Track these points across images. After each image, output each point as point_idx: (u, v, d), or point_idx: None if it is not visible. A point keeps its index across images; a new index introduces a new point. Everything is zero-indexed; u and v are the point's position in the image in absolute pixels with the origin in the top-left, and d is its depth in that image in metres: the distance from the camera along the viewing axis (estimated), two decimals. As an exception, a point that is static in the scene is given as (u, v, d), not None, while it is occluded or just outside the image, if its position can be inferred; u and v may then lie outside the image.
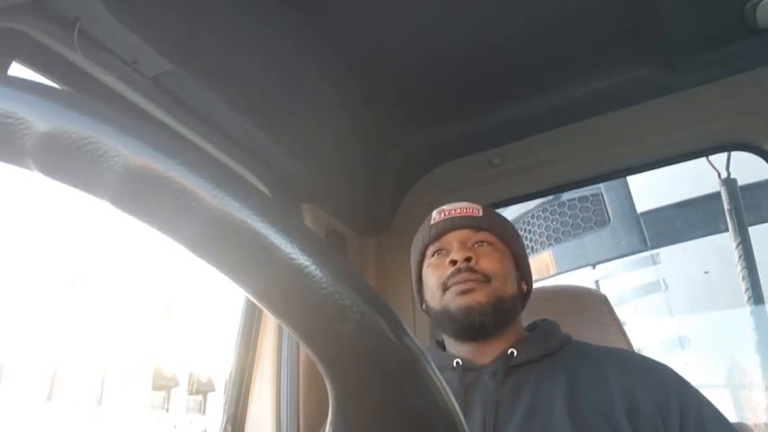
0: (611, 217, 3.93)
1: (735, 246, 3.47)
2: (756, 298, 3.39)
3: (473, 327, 0.90)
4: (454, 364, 0.92)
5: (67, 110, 0.24)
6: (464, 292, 0.90)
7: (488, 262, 0.93)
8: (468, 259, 0.91)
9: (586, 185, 1.43)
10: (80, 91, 0.91)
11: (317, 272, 0.22)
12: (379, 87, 1.36)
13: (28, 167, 0.25)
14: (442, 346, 1.02)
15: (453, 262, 0.92)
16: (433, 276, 0.96)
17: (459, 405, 0.81)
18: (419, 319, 1.50)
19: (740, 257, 3.47)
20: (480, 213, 1.00)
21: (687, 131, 1.33)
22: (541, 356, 0.89)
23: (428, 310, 1.00)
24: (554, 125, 1.44)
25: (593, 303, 1.20)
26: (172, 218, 0.23)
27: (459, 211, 1.00)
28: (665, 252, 3.86)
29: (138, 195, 0.23)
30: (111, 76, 0.92)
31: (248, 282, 0.23)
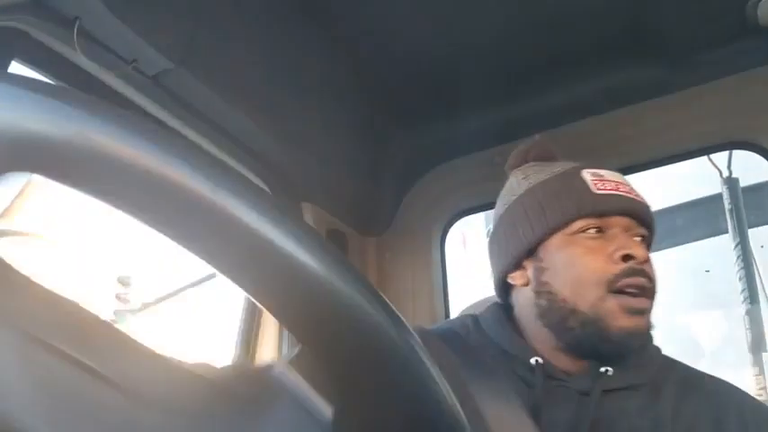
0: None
1: (733, 245, 3.48)
2: (752, 297, 3.40)
3: (622, 354, 0.74)
4: (533, 362, 0.75)
5: (90, 116, 0.23)
6: (638, 313, 0.71)
7: (653, 269, 0.75)
8: (646, 261, 0.73)
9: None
10: (80, 90, 0.90)
11: (326, 275, 0.22)
12: (380, 86, 1.36)
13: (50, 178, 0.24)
14: (505, 312, 0.84)
15: (626, 257, 0.72)
16: (588, 264, 0.74)
17: (536, 419, 0.71)
18: (419, 319, 1.49)
19: (738, 257, 3.48)
20: (646, 202, 0.80)
21: (688, 130, 1.32)
22: (640, 384, 0.75)
23: (541, 296, 0.78)
24: (555, 124, 1.43)
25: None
26: (207, 241, 0.23)
27: (626, 189, 0.78)
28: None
29: (173, 214, 0.23)
30: (111, 75, 0.92)
31: (259, 288, 0.23)
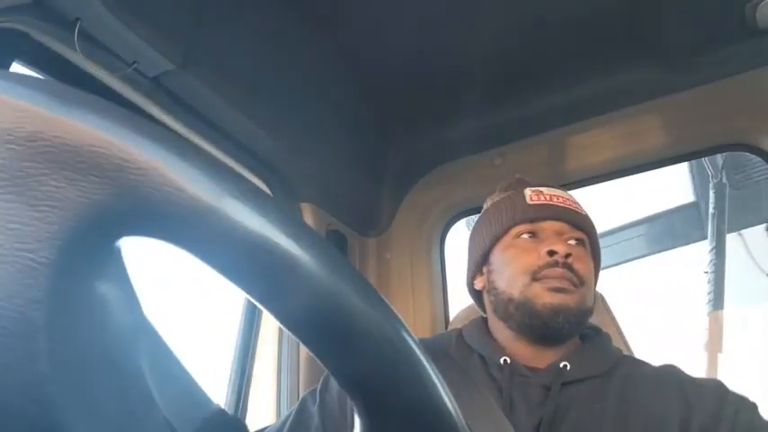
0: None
1: (709, 249, 3.49)
2: (717, 303, 3.43)
3: (553, 329, 0.83)
4: (501, 362, 0.85)
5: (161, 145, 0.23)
6: (558, 290, 0.82)
7: (582, 265, 0.86)
8: (568, 256, 0.84)
9: (586, 186, 1.43)
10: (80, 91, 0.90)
11: (324, 275, 0.22)
12: (380, 87, 1.36)
13: None
14: (485, 322, 0.95)
15: (551, 253, 0.84)
16: (519, 261, 0.87)
17: (505, 411, 0.80)
18: (419, 320, 1.50)
19: (711, 261, 3.49)
20: (581, 211, 0.93)
21: (687, 132, 1.32)
22: (594, 376, 0.83)
23: (491, 293, 0.92)
24: (554, 125, 1.44)
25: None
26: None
27: (560, 200, 0.92)
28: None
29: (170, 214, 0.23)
30: (112, 77, 0.92)
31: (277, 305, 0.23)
